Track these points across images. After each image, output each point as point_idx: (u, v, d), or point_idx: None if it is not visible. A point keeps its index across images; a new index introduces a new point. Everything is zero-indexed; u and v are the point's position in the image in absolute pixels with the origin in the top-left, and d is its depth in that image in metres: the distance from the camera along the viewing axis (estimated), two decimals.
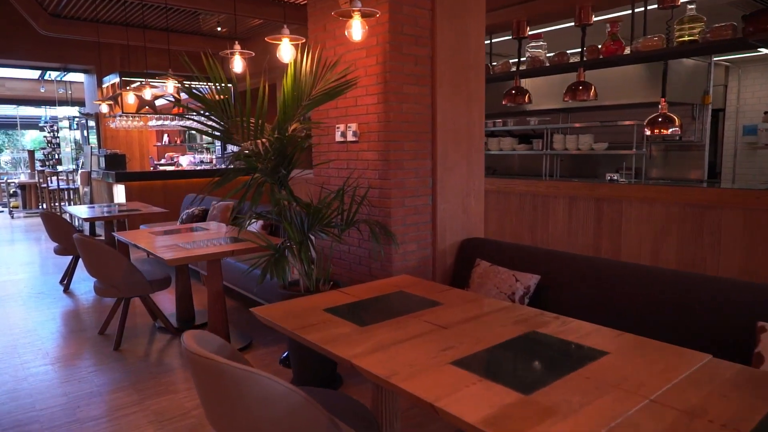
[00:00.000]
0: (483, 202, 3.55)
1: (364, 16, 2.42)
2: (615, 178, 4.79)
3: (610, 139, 6.46)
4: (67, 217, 9.36)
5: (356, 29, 2.48)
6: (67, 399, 3.02)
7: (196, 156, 12.38)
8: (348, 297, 2.34)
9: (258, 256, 2.83)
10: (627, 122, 5.77)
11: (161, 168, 10.18)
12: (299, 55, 2.75)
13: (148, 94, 6.39)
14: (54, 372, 3.39)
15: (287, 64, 2.82)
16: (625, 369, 1.55)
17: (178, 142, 13.25)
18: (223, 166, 10.49)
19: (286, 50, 2.94)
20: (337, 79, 2.87)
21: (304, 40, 3.16)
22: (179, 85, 2.59)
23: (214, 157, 11.90)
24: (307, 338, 1.82)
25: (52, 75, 13.20)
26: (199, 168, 10.03)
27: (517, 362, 1.61)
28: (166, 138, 12.74)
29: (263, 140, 2.45)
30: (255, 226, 4.66)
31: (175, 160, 11.68)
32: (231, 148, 10.69)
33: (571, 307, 2.63)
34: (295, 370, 3.15)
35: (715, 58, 6.95)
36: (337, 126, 3.43)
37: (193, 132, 14.17)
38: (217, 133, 2.84)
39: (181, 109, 9.37)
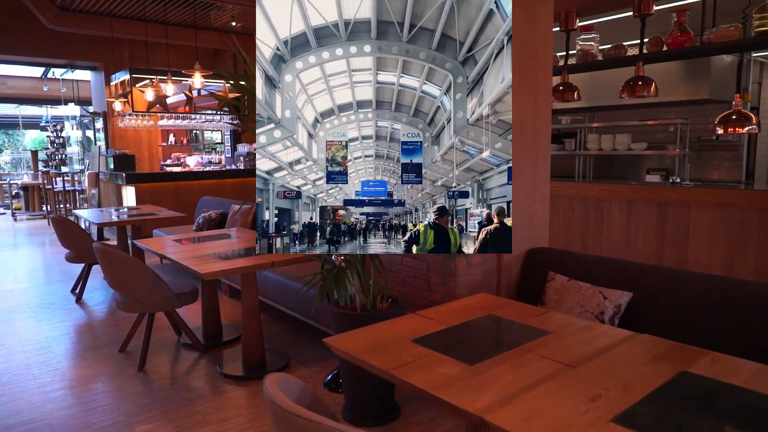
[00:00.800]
0: (548, 207, 3.21)
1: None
2: (677, 180, 4.44)
3: (641, 138, 6.12)
4: (73, 219, 9.00)
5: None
6: (92, 431, 2.68)
7: (203, 156, 11.99)
8: (432, 323, 2.00)
9: (312, 274, 2.48)
10: (672, 120, 5.43)
11: (168, 169, 9.79)
12: None
13: (170, 89, 6.03)
14: (74, 398, 3.05)
15: None
16: None
17: (185, 141, 12.86)
18: (233, 167, 10.12)
19: None
20: None
21: None
22: (227, 82, 2.22)
23: (222, 157, 11.51)
24: (410, 382, 1.48)
25: (56, 73, 12.83)
26: (208, 169, 9.64)
27: (696, 420, 1.27)
28: (172, 138, 12.36)
29: None
30: None
31: (181, 160, 11.29)
32: (241, 148, 10.33)
33: (676, 332, 2.29)
34: (347, 397, 2.81)
35: (754, 55, 6.63)
36: None
37: (197, 132, 13.80)
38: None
39: (189, 107, 9.02)
